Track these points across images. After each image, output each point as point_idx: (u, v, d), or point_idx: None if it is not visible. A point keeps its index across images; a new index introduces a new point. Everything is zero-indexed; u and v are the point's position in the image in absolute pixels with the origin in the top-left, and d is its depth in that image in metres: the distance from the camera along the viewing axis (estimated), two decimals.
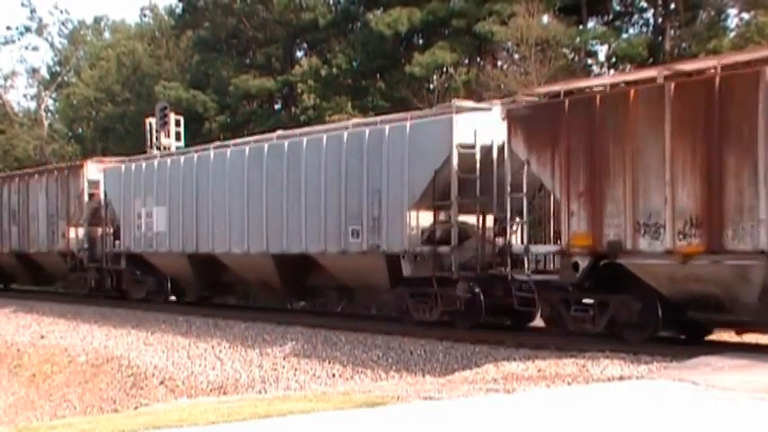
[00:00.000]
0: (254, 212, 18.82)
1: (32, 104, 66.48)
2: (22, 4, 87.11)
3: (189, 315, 20.53)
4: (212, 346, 17.51)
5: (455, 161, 14.95)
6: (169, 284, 23.04)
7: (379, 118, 18.05)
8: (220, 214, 19.82)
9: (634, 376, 10.44)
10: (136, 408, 14.66)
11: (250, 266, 19.69)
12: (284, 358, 15.90)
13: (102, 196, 24.48)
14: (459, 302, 15.17)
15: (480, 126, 14.99)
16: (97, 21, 66.51)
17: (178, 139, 27.95)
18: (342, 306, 20.28)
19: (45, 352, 20.68)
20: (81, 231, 25.19)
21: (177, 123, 28.08)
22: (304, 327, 17.52)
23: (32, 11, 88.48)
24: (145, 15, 60.10)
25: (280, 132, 19.89)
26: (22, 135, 59.04)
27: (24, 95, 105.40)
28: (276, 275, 19.00)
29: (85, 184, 25.27)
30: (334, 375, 14.62)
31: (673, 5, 31.71)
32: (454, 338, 14.84)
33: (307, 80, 36.41)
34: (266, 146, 18.81)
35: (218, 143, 22.00)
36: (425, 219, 15.72)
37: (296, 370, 15.25)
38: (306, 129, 20.55)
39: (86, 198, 25.21)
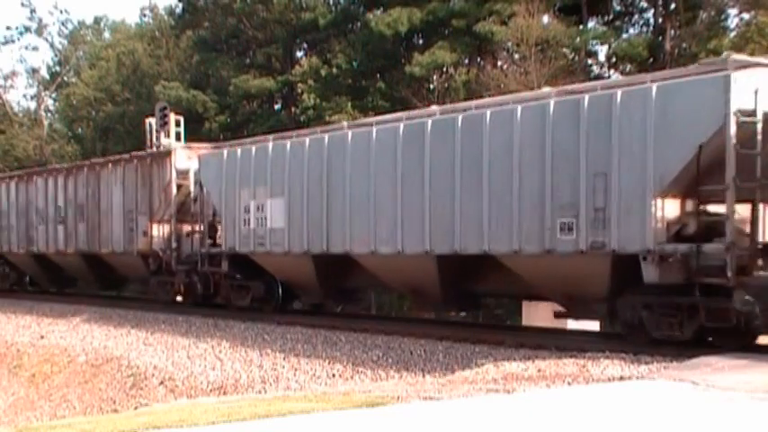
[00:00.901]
0: (411, 204, 15.45)
1: (32, 104, 66.83)
2: (22, 4, 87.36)
3: (189, 315, 20.52)
4: (212, 346, 17.51)
5: (732, 132, 11.45)
6: (281, 290, 19.68)
7: (599, 82, 14.74)
8: (361, 207, 16.39)
9: (634, 376, 10.43)
10: (136, 408, 14.65)
11: (400, 269, 16.41)
12: (284, 358, 15.89)
13: (192, 187, 21.29)
14: (736, 318, 11.64)
15: (762, 86, 11.67)
16: (97, 21, 66.84)
17: (178, 139, 27.85)
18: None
19: (45, 352, 20.68)
20: (166, 229, 21.83)
21: (177, 123, 27.96)
22: (304, 327, 17.53)
23: (32, 11, 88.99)
24: (145, 15, 60.51)
25: (438, 107, 16.89)
26: (22, 135, 59.25)
27: (24, 95, 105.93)
28: (436, 280, 15.74)
29: (174, 173, 21.84)
30: (334, 375, 14.61)
31: (673, 5, 31.78)
32: (454, 338, 14.82)
33: (307, 80, 36.49)
34: (429, 122, 15.34)
35: (352, 122, 18.86)
36: (671, 209, 12.33)
37: (296, 370, 15.24)
38: (483, 100, 17.35)
39: (174, 190, 21.84)
